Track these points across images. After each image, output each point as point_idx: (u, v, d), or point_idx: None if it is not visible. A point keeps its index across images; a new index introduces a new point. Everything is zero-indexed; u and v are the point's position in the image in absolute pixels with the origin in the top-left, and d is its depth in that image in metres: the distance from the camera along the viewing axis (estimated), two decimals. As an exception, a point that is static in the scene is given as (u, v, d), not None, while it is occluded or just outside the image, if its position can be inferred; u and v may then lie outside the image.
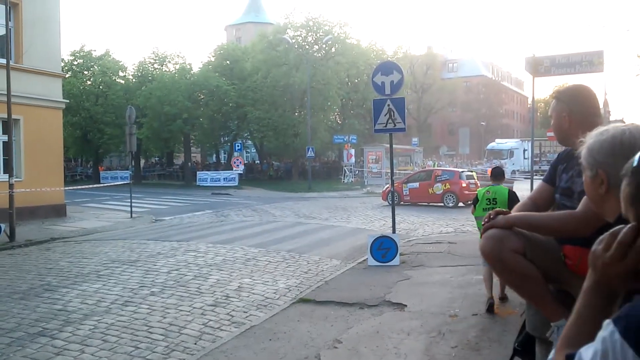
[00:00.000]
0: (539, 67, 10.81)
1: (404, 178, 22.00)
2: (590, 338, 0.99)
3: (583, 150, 1.49)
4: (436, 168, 25.35)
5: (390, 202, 18.91)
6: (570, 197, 2.37)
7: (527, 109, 72.00)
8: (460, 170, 21.82)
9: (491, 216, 2.34)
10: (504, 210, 2.39)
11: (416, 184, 20.03)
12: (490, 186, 6.68)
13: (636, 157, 1.01)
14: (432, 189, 19.39)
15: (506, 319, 5.15)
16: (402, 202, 19.60)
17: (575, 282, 2.33)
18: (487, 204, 6.47)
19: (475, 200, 6.76)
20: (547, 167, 2.74)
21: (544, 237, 2.36)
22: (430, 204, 19.52)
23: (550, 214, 2.29)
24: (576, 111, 2.41)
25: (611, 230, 1.07)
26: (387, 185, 21.01)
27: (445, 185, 19.09)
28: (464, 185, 18.95)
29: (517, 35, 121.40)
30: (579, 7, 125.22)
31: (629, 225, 1.03)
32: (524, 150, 39.11)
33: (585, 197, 2.07)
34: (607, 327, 0.94)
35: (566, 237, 2.30)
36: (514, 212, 2.46)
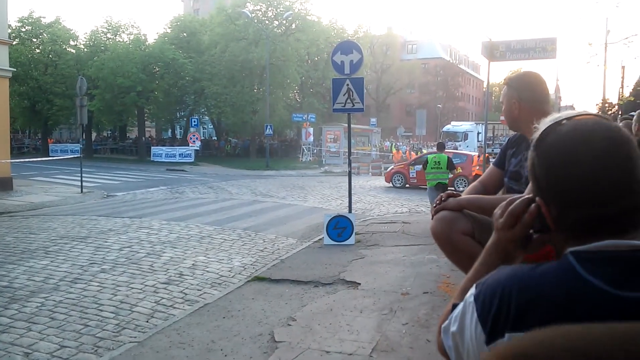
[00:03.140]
0: (495, 52, 11.03)
1: (411, 160, 21.20)
2: None
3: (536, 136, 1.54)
4: (448, 151, 23.89)
5: (394, 185, 18.70)
6: (518, 180, 2.45)
7: (482, 92, 73.52)
8: (473, 154, 20.88)
9: (442, 198, 2.39)
10: (454, 192, 2.45)
11: None
12: (436, 154, 11.54)
13: (538, 131, 1.03)
14: None
15: (455, 297, 5.31)
16: (407, 185, 19.10)
17: (520, 263, 2.43)
18: (434, 165, 11.22)
19: (425, 163, 11.44)
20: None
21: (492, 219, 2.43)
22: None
23: (498, 197, 2.36)
24: (526, 98, 2.47)
25: (509, 198, 1.10)
26: (392, 167, 20.81)
27: (457, 169, 17.86)
28: (478, 169, 17.81)
29: (475, 19, 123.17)
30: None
31: (522, 197, 1.06)
32: (478, 133, 40.01)
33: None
34: (472, 289, 1.00)
35: (513, 220, 2.37)
36: (464, 195, 2.52)
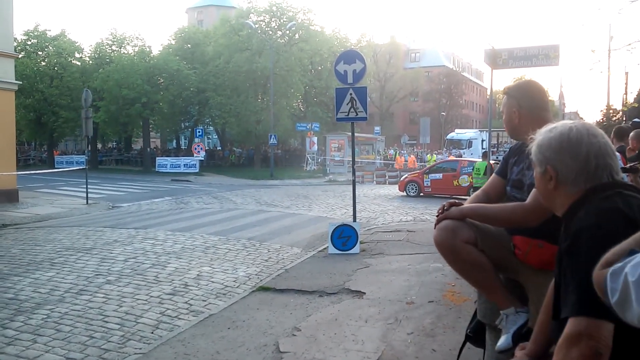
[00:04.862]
0: (498, 60, 11.03)
1: (425, 168, 20.66)
2: None
3: (533, 147, 1.54)
4: (462, 159, 22.93)
5: (408, 194, 18.39)
6: (520, 189, 2.45)
7: (486, 100, 73.44)
8: (491, 162, 20.17)
9: (445, 207, 2.40)
10: (457, 201, 2.45)
11: (439, 175, 18.50)
12: (479, 162, 13.56)
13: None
14: (458, 181, 17.80)
15: (460, 307, 5.29)
16: (421, 194, 18.60)
17: (523, 271, 2.42)
18: (476, 172, 13.50)
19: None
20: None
21: (495, 228, 2.43)
22: (454, 197, 17.23)
23: (500, 205, 2.36)
24: (525, 106, 2.48)
25: None
26: (406, 175, 20.44)
27: (472, 178, 16.56)
28: None
29: (478, 27, 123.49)
30: (538, 1, 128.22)
31: None
32: (482, 141, 39.92)
33: (534, 189, 2.15)
34: None
35: (516, 228, 2.38)
36: (467, 204, 2.52)
